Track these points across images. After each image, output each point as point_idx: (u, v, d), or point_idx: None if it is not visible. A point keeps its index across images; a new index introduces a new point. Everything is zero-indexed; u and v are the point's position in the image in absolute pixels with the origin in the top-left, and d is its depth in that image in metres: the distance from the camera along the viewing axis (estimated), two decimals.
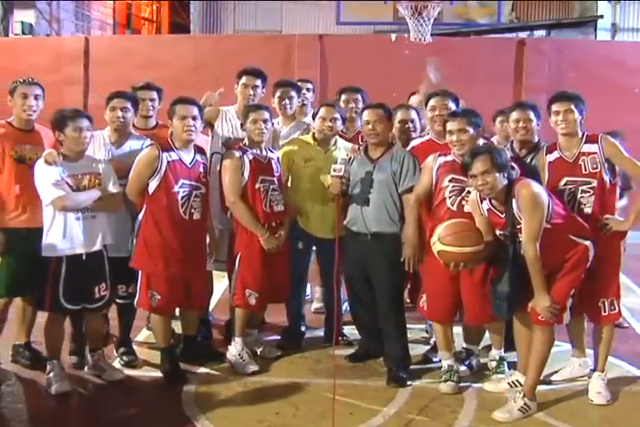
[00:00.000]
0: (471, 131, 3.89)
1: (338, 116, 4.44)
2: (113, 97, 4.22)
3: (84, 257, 3.90)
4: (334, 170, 4.15)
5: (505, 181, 3.62)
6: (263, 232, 4.19)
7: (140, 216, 4.07)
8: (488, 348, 4.32)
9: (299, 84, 5.17)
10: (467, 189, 3.88)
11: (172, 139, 4.12)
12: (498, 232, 3.73)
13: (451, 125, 3.91)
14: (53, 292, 3.86)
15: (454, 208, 3.93)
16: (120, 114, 4.17)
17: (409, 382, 4.09)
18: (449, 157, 3.98)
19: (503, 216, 3.67)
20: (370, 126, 4.16)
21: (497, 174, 3.59)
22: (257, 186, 4.20)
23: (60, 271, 3.86)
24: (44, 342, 4.05)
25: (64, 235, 3.84)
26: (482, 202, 3.75)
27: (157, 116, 4.60)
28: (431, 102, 4.31)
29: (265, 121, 4.21)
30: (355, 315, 4.52)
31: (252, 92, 4.63)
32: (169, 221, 4.04)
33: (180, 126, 4.04)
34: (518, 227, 3.61)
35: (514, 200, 3.60)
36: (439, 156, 4.01)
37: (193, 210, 4.09)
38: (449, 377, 4.04)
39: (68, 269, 3.86)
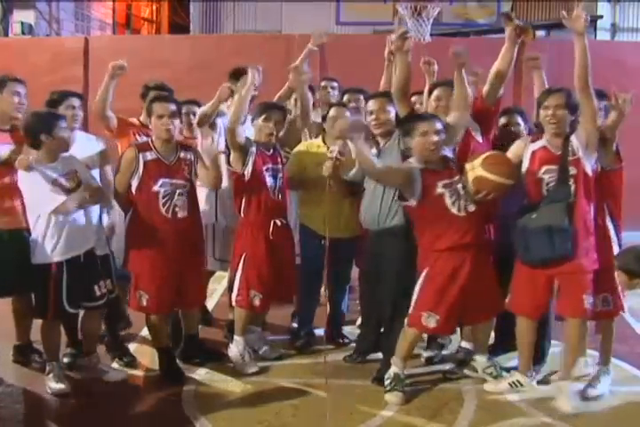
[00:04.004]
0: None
1: (348, 114, 4.42)
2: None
3: (81, 258, 3.86)
4: (330, 151, 4.11)
5: (569, 122, 3.76)
6: None
7: (127, 217, 4.07)
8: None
9: (323, 82, 5.27)
10: (460, 186, 3.80)
11: (152, 138, 4.11)
12: (545, 168, 3.77)
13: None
14: (57, 299, 3.79)
15: (462, 213, 3.79)
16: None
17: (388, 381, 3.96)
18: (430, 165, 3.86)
19: (558, 153, 3.76)
20: (374, 116, 4.11)
21: (566, 111, 3.73)
22: (265, 177, 4.18)
23: (61, 277, 3.79)
24: (42, 345, 4.03)
25: (63, 239, 3.77)
26: (534, 142, 3.84)
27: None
28: (436, 92, 4.27)
29: (277, 123, 4.21)
30: (364, 308, 4.46)
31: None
32: (152, 221, 4.02)
33: (158, 125, 4.02)
34: (571, 158, 3.72)
35: (573, 137, 3.74)
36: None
37: (177, 208, 4.05)
38: (393, 386, 3.92)
39: (69, 273, 3.81)
